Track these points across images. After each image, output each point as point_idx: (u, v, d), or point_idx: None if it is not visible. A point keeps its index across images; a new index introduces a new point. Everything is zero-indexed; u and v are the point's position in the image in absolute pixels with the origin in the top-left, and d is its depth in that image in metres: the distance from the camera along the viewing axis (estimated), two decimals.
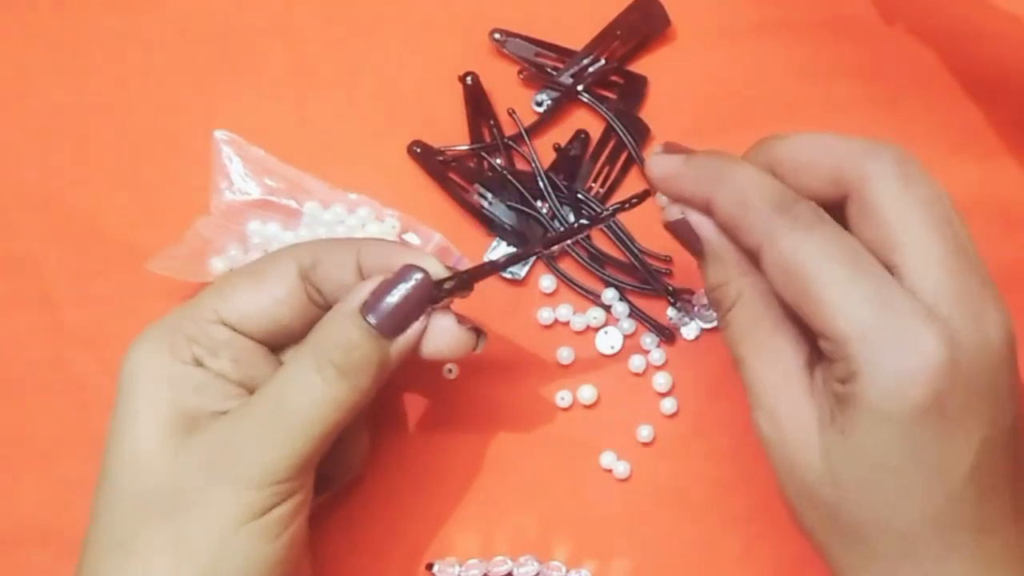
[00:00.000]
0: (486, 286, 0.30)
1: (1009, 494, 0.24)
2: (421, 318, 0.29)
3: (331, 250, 0.30)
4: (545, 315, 0.37)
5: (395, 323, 0.28)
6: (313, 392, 0.27)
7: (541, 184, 0.38)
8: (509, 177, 0.38)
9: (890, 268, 0.24)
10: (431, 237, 0.37)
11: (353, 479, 0.34)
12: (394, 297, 0.28)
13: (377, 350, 0.28)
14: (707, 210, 0.27)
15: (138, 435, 0.27)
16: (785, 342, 0.26)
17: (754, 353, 0.26)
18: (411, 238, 0.37)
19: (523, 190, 0.38)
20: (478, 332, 0.30)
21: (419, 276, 0.28)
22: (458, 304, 0.30)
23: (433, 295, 0.28)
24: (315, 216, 0.37)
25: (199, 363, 0.28)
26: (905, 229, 0.24)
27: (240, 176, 0.38)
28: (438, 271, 0.29)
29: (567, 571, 0.34)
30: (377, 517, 0.35)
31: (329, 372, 0.27)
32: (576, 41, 0.40)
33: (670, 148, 0.28)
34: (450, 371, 0.36)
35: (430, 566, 0.34)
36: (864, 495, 0.24)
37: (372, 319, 0.28)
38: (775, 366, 0.26)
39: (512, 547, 0.35)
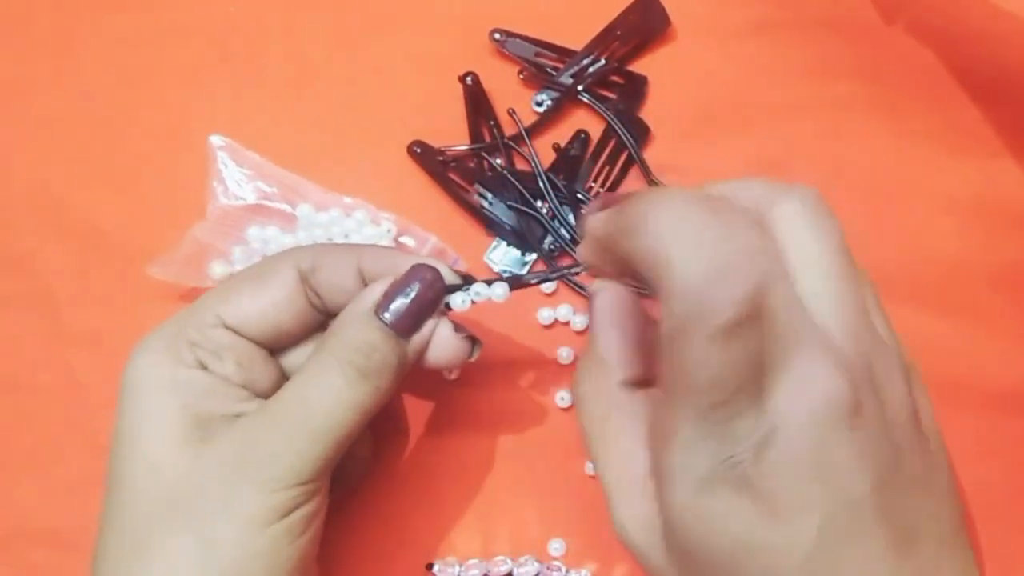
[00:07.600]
0: None
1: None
2: (434, 317, 0.29)
3: (331, 255, 0.30)
4: (545, 315, 0.37)
5: (411, 321, 0.28)
6: (336, 395, 0.27)
7: (541, 184, 0.38)
8: (509, 177, 0.38)
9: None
10: (427, 239, 0.37)
11: (357, 484, 0.34)
12: (408, 296, 0.28)
13: (396, 350, 0.28)
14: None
15: (151, 441, 0.27)
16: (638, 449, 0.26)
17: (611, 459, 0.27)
18: (407, 241, 0.37)
19: (523, 190, 0.38)
20: (473, 341, 0.30)
21: (430, 274, 0.28)
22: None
23: (444, 295, 0.29)
24: (310, 219, 0.37)
25: (203, 367, 0.28)
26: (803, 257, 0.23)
27: (235, 182, 0.38)
28: (448, 276, 0.29)
29: (567, 571, 0.34)
30: (377, 517, 0.35)
31: (351, 374, 0.27)
32: (576, 41, 0.40)
33: (605, 201, 0.26)
34: (450, 372, 0.36)
35: (430, 566, 0.34)
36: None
37: (388, 318, 0.28)
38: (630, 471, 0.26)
39: (512, 547, 0.35)
